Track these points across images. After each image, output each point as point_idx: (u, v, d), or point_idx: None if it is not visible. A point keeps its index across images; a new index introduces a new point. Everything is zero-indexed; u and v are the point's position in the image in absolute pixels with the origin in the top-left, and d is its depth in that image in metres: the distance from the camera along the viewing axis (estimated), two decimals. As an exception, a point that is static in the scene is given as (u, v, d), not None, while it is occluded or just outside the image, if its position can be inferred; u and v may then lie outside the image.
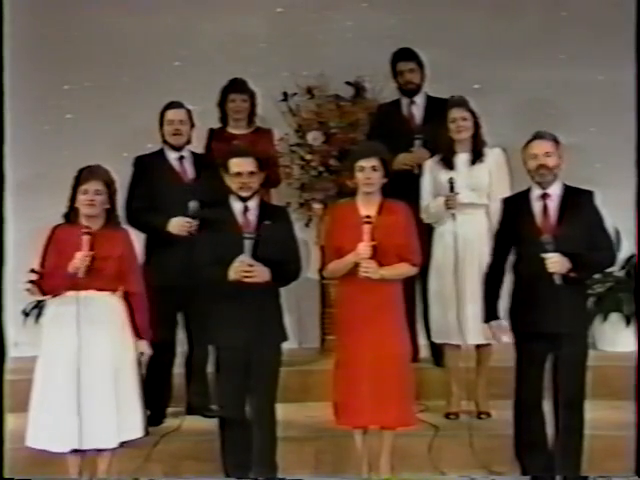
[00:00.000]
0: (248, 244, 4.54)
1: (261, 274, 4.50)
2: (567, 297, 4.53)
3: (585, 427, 4.69)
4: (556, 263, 4.52)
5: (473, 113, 5.40)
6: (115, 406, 4.56)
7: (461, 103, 5.41)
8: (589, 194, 4.71)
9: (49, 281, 4.56)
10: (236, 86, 5.96)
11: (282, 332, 4.71)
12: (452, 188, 5.29)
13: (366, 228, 4.62)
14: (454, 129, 5.37)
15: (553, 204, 4.68)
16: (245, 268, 4.48)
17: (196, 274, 4.65)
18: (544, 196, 4.69)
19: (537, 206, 4.68)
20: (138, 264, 4.82)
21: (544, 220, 4.65)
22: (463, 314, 5.29)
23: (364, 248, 4.59)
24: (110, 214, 4.66)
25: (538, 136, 4.72)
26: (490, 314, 4.81)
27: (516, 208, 4.76)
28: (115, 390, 4.57)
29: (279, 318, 4.70)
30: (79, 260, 4.48)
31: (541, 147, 4.68)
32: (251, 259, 4.50)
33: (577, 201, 4.66)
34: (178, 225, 5.25)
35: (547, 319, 4.52)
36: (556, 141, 4.72)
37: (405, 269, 4.71)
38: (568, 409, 4.61)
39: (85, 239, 4.51)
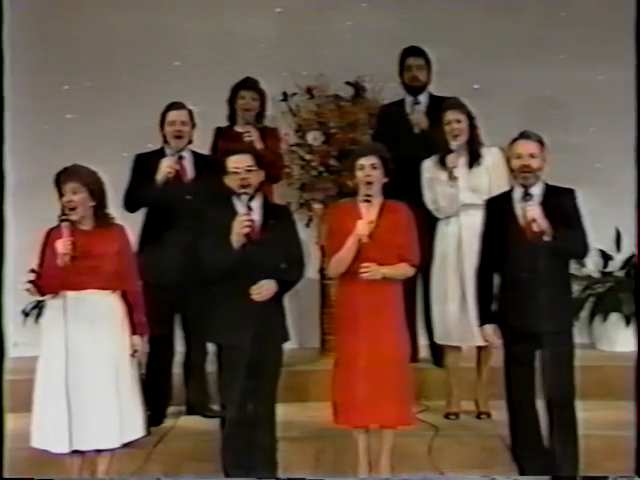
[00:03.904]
0: (244, 199, 4.57)
1: (269, 289, 4.52)
2: (551, 296, 4.53)
3: (585, 427, 4.70)
4: (534, 209, 4.53)
5: (469, 115, 5.38)
6: (117, 406, 4.55)
7: (456, 105, 5.38)
8: (570, 192, 4.69)
9: (47, 281, 4.56)
10: (247, 84, 5.94)
11: (284, 332, 4.71)
12: (450, 150, 5.30)
13: (364, 207, 4.65)
14: (449, 132, 5.35)
15: (538, 205, 4.65)
16: (247, 222, 4.50)
17: (203, 276, 4.65)
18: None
19: (519, 206, 4.66)
20: (134, 261, 4.80)
21: (527, 220, 4.63)
22: (465, 315, 5.29)
23: (363, 226, 4.60)
24: (99, 211, 4.65)
25: (524, 136, 4.69)
26: (484, 317, 4.80)
27: (499, 209, 4.75)
28: (116, 390, 4.56)
29: (282, 317, 4.69)
30: (61, 246, 4.47)
31: (526, 147, 4.66)
32: (248, 214, 4.53)
33: (558, 200, 4.64)
34: (165, 165, 5.32)
35: (532, 318, 4.50)
36: (541, 142, 4.70)
37: (405, 269, 4.71)
38: (559, 407, 4.60)
39: (64, 225, 4.51)
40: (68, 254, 4.48)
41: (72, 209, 4.56)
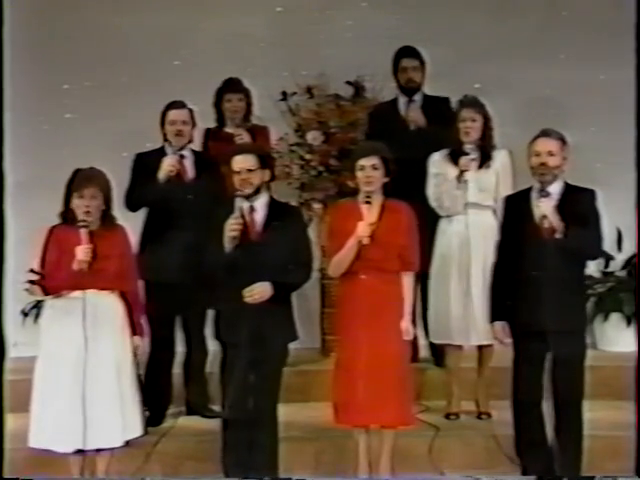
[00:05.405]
0: (239, 201, 4.55)
1: (262, 292, 4.47)
2: (565, 296, 4.53)
3: (585, 427, 4.69)
4: (545, 205, 4.52)
5: (485, 115, 5.37)
6: (120, 405, 4.56)
7: (472, 104, 5.37)
8: (590, 193, 4.68)
9: (51, 281, 4.56)
10: (231, 86, 5.94)
11: (290, 331, 4.69)
12: (462, 150, 5.28)
13: (365, 208, 4.65)
14: (462, 129, 5.34)
15: (552, 203, 4.66)
16: (236, 225, 4.49)
17: (207, 275, 4.64)
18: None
19: (537, 204, 4.67)
20: (134, 262, 4.81)
21: (539, 216, 4.62)
22: (468, 314, 5.29)
23: (363, 227, 4.60)
24: (105, 213, 4.65)
25: (544, 134, 4.68)
26: (495, 314, 4.78)
27: (517, 206, 4.75)
28: (119, 389, 4.58)
29: (286, 317, 4.66)
30: (81, 253, 4.48)
31: (545, 145, 4.65)
32: (239, 216, 4.51)
33: (577, 200, 4.62)
34: (167, 164, 5.30)
35: (545, 318, 4.48)
36: (563, 141, 4.68)
37: (410, 284, 4.74)
38: (566, 408, 4.60)
39: (83, 232, 4.52)
40: (87, 261, 4.48)
41: (87, 213, 4.55)
